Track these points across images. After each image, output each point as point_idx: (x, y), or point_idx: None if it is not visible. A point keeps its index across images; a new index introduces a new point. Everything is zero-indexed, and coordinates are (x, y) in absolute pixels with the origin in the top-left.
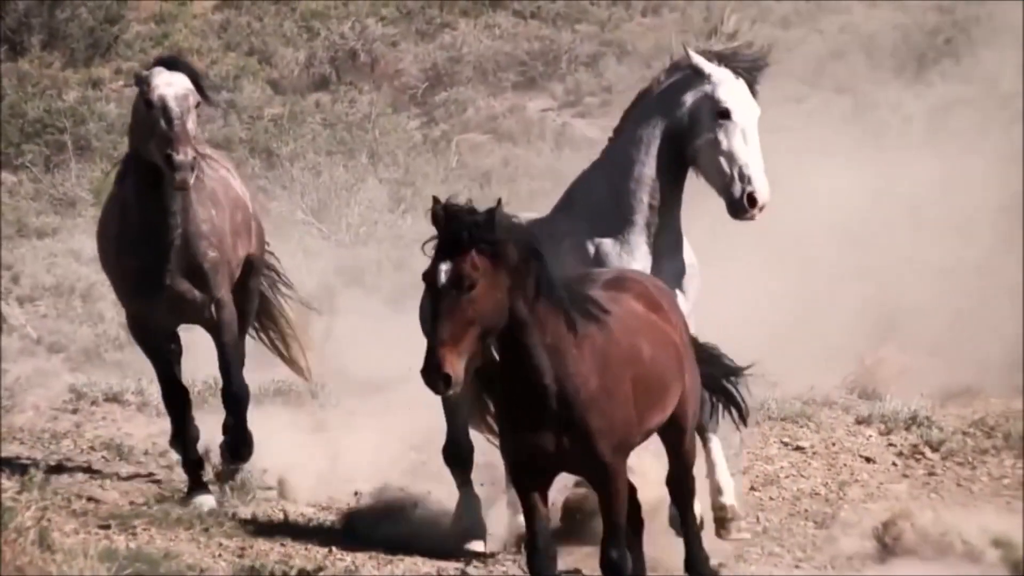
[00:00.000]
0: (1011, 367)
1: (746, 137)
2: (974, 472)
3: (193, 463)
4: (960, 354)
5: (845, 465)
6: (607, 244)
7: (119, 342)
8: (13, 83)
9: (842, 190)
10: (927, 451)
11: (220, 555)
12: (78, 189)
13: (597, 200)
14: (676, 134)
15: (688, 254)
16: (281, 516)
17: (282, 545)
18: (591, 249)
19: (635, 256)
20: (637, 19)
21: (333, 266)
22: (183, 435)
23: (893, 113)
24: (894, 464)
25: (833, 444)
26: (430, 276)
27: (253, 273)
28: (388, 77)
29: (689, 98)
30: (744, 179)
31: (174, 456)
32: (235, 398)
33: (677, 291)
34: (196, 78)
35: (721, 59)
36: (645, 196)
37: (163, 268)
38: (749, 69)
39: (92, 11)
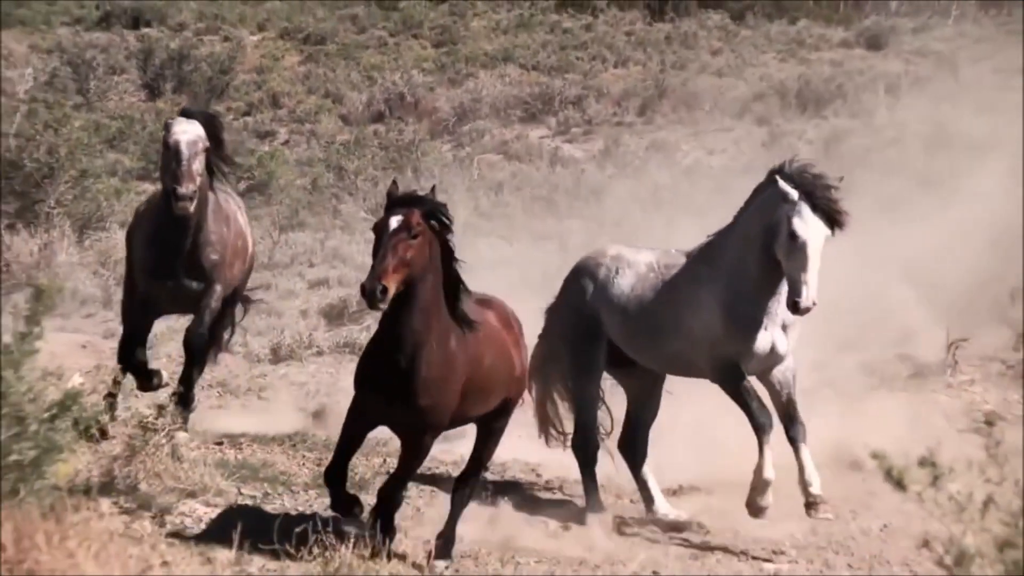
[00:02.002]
0: (886, 323)
1: (807, 255)
2: (861, 403)
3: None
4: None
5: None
6: (737, 300)
7: None
8: (152, 118)
9: None
10: (825, 388)
11: (303, 464)
12: None
13: (729, 266)
14: (770, 236)
15: (787, 314)
16: None
17: None
18: (725, 299)
19: (757, 313)
20: (611, 70)
21: None
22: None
23: (798, 140)
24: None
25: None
26: (381, 225)
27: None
28: (427, 113)
29: (778, 213)
30: (796, 289)
31: (271, 391)
32: (196, 349)
33: (783, 333)
34: (210, 125)
35: (804, 185)
36: (755, 273)
37: (175, 264)
38: (826, 201)
39: (210, 64)
